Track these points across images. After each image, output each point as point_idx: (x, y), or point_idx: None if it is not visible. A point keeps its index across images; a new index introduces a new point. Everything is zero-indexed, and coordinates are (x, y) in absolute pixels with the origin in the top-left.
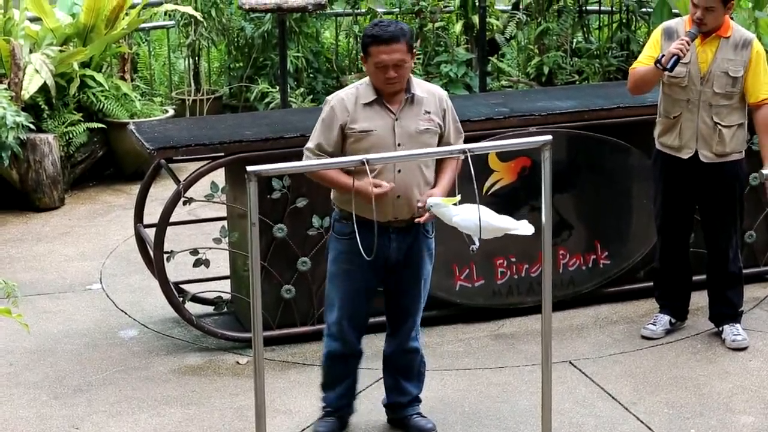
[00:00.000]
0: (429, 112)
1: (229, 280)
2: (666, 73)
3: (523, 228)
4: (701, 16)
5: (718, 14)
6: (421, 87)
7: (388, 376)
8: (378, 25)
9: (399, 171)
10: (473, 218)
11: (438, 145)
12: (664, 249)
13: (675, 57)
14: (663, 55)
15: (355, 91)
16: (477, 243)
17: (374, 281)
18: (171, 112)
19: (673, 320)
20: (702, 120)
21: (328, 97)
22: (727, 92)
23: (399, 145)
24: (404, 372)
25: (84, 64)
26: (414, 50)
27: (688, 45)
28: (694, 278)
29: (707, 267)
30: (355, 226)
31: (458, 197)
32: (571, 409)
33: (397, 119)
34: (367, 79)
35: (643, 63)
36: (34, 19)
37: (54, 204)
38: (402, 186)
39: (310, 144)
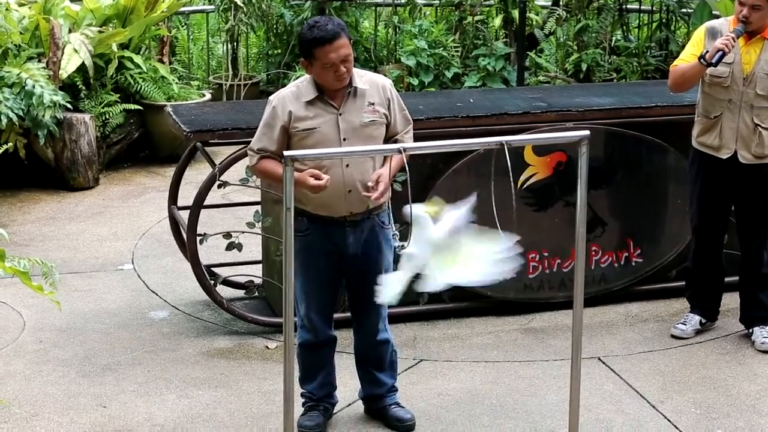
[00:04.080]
0: (373, 104)
1: (260, 265)
2: (708, 71)
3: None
4: (747, 14)
5: (764, 14)
6: (362, 79)
7: (361, 369)
8: (315, 26)
9: (347, 166)
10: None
11: (385, 136)
12: (698, 249)
13: (720, 52)
14: (707, 51)
15: (296, 89)
16: (406, 244)
17: (335, 273)
18: (208, 96)
19: (703, 320)
20: (743, 121)
21: (270, 97)
22: None
23: (344, 140)
24: (377, 364)
25: (123, 46)
26: (350, 41)
27: (734, 41)
28: (727, 279)
29: (740, 269)
30: (308, 221)
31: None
32: (599, 405)
33: (340, 114)
34: (308, 76)
35: (685, 60)
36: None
37: (88, 184)
38: (351, 180)
39: (253, 145)
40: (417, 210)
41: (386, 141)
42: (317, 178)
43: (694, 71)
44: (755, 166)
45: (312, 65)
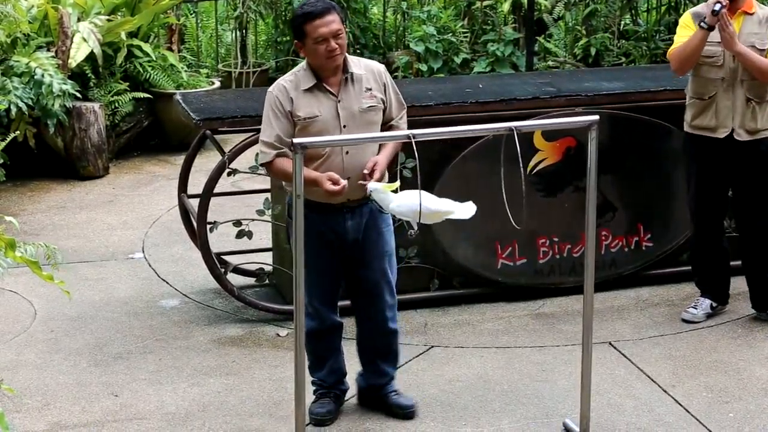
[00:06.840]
0: (370, 89)
1: (271, 253)
2: (703, 52)
3: (463, 211)
4: None
5: None
6: (358, 65)
7: (366, 359)
8: (306, 4)
9: (347, 153)
10: (411, 204)
11: (382, 121)
12: (699, 234)
13: (718, 3)
14: (704, 17)
15: (294, 78)
16: (416, 227)
17: (335, 260)
18: (217, 84)
19: (714, 304)
20: (737, 96)
21: (270, 88)
22: None
23: (344, 126)
24: (383, 354)
25: (131, 34)
26: (344, 23)
27: None
28: (737, 263)
29: (742, 251)
30: (307, 209)
31: (397, 184)
32: (610, 389)
33: (339, 101)
34: (304, 64)
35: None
36: None
37: (98, 173)
38: (351, 167)
39: (266, 139)
40: (376, 186)
41: (382, 126)
42: (335, 183)
43: (696, 39)
44: (751, 143)
45: (304, 44)
